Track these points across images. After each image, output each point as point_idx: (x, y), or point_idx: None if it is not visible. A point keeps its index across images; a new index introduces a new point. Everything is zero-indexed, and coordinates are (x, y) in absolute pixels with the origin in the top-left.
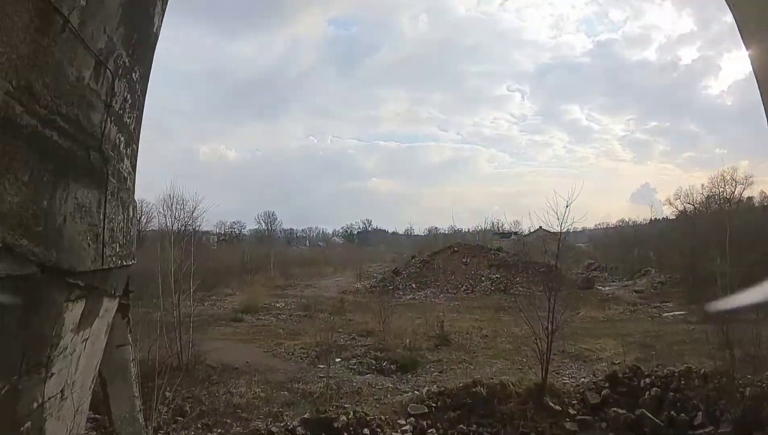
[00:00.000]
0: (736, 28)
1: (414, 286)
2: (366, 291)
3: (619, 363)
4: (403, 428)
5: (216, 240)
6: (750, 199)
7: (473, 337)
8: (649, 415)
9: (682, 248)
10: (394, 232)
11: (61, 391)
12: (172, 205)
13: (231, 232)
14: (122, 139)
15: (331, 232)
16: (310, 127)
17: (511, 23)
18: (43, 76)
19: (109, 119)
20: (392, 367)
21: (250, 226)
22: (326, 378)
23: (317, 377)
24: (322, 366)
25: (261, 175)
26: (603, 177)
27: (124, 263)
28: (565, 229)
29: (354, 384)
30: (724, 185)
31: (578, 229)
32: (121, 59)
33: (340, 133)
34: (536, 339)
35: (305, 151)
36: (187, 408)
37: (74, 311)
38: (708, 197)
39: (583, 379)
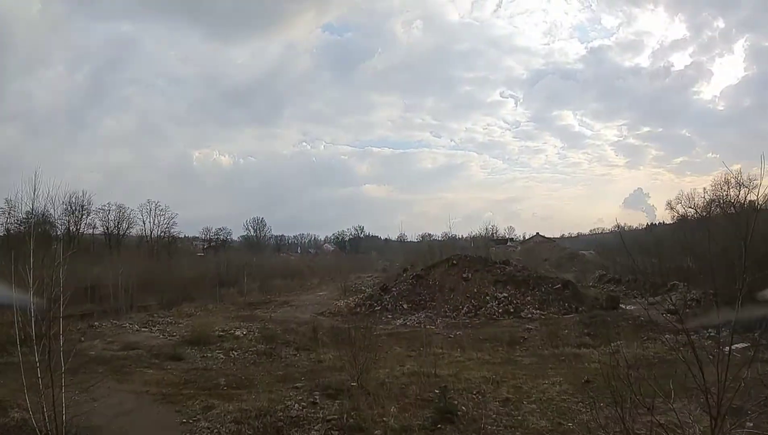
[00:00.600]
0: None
1: (405, 306)
2: (349, 312)
3: None
4: None
5: (203, 247)
6: (753, 202)
7: (488, 400)
8: None
9: (701, 256)
10: (386, 239)
11: None
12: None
13: (217, 238)
14: None
15: (322, 239)
16: (304, 133)
17: (504, 30)
18: None
19: None
20: None
21: (241, 232)
22: None
23: None
24: None
25: (254, 181)
26: (596, 182)
27: None
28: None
29: None
30: (728, 188)
31: (573, 235)
32: None
33: (334, 139)
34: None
35: (298, 157)
36: None
37: None
38: (711, 201)
39: None
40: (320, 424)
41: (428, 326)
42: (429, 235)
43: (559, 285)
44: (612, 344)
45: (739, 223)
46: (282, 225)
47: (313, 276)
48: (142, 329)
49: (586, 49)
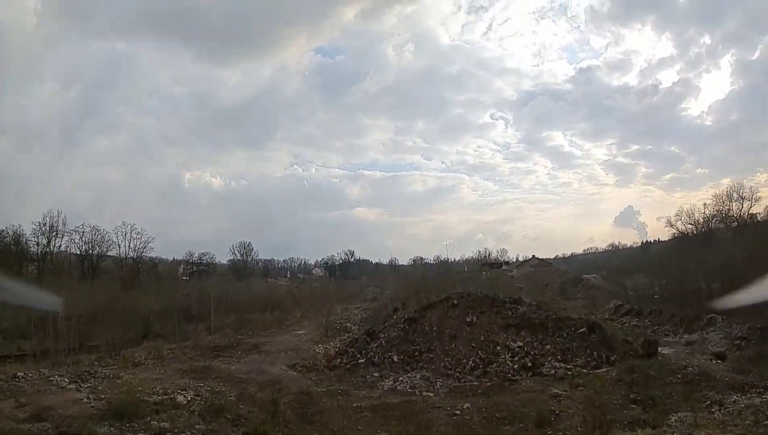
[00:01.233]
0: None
1: (396, 359)
2: (327, 363)
3: None
4: None
5: (186, 271)
6: (754, 216)
7: None
8: None
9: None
10: (377, 263)
11: None
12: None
13: (200, 263)
14: None
15: (312, 263)
16: (295, 156)
17: (494, 52)
18: None
19: None
20: None
21: (230, 256)
22: None
23: None
24: None
25: (245, 203)
26: (586, 202)
27: None
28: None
29: None
30: (730, 202)
31: (567, 255)
32: None
33: (325, 162)
34: None
35: (289, 179)
36: None
37: None
38: (712, 216)
39: None
40: None
41: (425, 393)
42: (421, 258)
43: (584, 328)
44: (672, 419)
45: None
46: (272, 248)
47: (296, 307)
48: (70, 386)
49: (574, 70)
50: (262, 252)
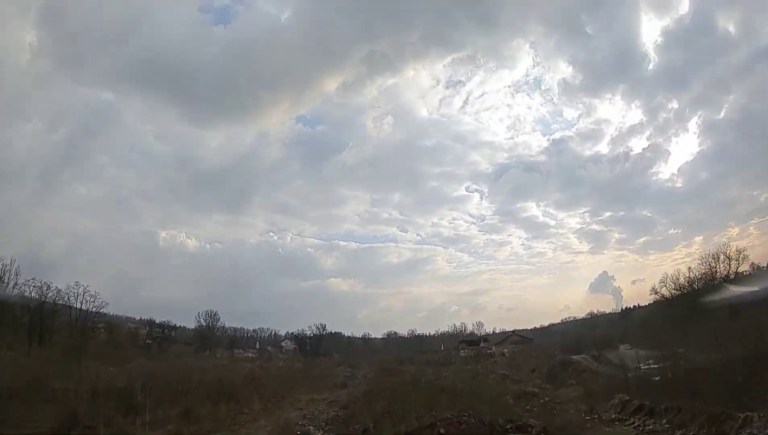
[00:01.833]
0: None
1: None
2: None
3: None
4: None
5: (150, 335)
6: (741, 274)
7: None
8: None
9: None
10: (350, 337)
11: None
12: None
13: (165, 325)
14: None
15: (283, 334)
16: (271, 223)
17: (471, 125)
18: None
19: None
20: None
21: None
22: None
23: None
24: None
25: (218, 267)
26: (561, 270)
27: None
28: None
29: None
30: (718, 264)
31: (545, 326)
32: None
33: (300, 231)
34: None
35: (264, 246)
36: None
37: None
38: (698, 278)
39: None
40: None
41: None
42: (394, 333)
43: None
44: None
45: None
46: (243, 316)
47: (256, 395)
48: None
49: (548, 141)
50: (233, 318)
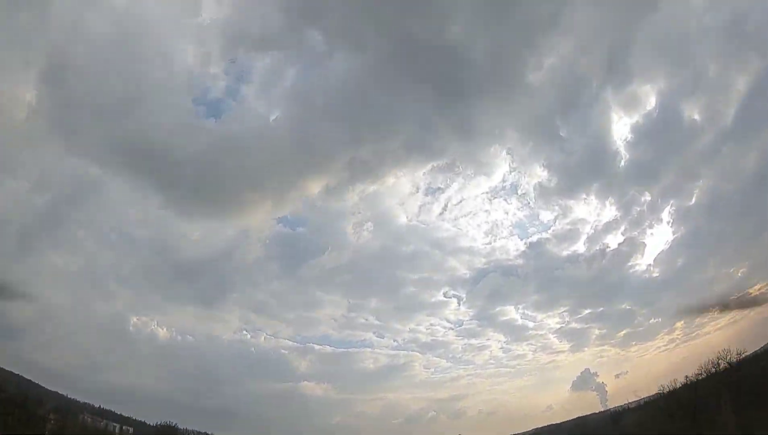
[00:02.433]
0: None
1: None
2: None
3: None
4: None
5: (109, 428)
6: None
7: None
8: None
9: None
10: None
11: None
12: None
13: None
14: None
15: None
16: (245, 321)
17: (449, 231)
18: None
19: None
20: None
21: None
22: None
23: None
24: None
25: (188, 360)
26: (542, 371)
27: None
28: None
29: None
30: (719, 365)
31: (528, 431)
32: None
33: (275, 332)
34: None
35: (237, 345)
36: None
37: None
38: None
39: None
40: None
41: None
42: None
43: None
44: None
45: None
46: (211, 416)
47: None
48: None
49: (525, 245)
50: (199, 417)
